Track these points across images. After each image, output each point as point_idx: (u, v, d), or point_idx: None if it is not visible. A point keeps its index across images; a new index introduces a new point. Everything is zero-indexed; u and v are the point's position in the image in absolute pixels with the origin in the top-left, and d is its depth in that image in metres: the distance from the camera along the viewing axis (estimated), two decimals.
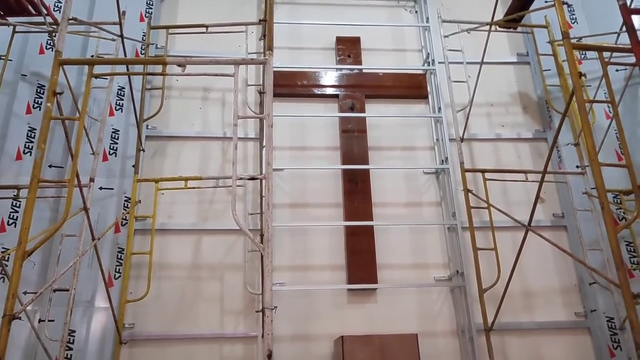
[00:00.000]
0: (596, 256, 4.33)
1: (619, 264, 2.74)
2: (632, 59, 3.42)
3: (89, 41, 4.77)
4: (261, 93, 4.90)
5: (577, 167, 4.71)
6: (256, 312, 4.21)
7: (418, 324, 4.34)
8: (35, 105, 4.49)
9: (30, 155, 4.26)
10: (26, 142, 4.34)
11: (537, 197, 3.57)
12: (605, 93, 4.51)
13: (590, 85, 4.84)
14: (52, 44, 4.68)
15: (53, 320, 3.70)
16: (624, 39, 4.03)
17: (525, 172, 4.43)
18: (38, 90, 4.54)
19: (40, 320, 3.76)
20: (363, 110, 5.13)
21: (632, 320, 2.69)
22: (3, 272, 3.79)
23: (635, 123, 4.71)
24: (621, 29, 4.34)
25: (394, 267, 4.55)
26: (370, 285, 4.40)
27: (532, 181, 4.37)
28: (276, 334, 4.13)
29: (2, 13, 4.20)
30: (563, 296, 4.52)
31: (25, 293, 3.82)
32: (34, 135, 4.35)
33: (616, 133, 4.51)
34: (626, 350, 4.08)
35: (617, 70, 4.79)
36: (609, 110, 4.78)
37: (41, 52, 4.68)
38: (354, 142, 4.99)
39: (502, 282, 3.89)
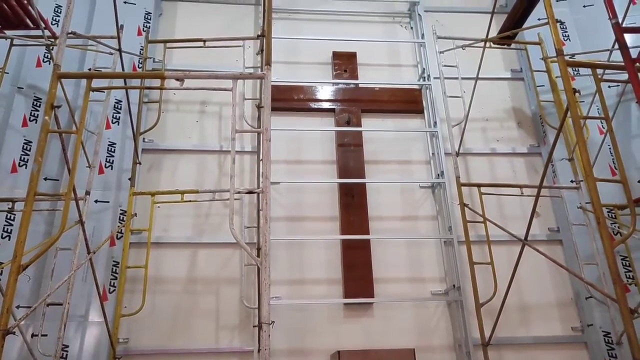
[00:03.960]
0: (592, 270, 4.34)
1: (615, 279, 2.75)
2: (625, 76, 3.49)
3: (87, 54, 4.78)
4: (259, 107, 4.92)
5: (572, 181, 4.75)
6: (253, 327, 4.18)
7: (415, 338, 4.31)
8: (32, 118, 4.48)
9: (26, 168, 4.24)
10: (22, 154, 4.32)
11: (533, 211, 3.59)
12: (598, 109, 4.57)
13: (583, 102, 4.90)
14: (49, 57, 4.69)
15: (46, 335, 3.65)
16: (616, 56, 4.10)
17: (520, 186, 4.46)
18: (34, 103, 4.54)
19: (33, 335, 3.70)
20: (359, 125, 5.16)
21: (630, 335, 2.69)
22: None
23: (628, 138, 4.77)
24: (613, 46, 4.41)
25: (391, 281, 4.54)
26: (367, 300, 4.39)
27: (528, 195, 4.39)
28: (272, 348, 4.08)
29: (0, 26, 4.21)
30: (560, 310, 4.52)
31: (18, 307, 3.77)
32: (30, 148, 4.33)
33: (610, 148, 4.57)
34: None
35: (609, 87, 4.87)
36: (602, 126, 4.84)
37: (38, 65, 4.69)
38: (350, 156, 5.01)
39: (499, 296, 3.88)
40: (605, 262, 3.11)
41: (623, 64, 3.20)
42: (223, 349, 4.16)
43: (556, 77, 4.98)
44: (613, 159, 4.61)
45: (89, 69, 4.62)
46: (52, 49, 4.45)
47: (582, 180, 4.61)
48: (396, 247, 4.68)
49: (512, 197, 4.56)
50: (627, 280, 4.28)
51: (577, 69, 5.17)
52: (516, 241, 3.86)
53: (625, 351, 4.07)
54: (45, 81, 3.00)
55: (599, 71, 3.98)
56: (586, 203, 4.50)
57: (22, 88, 4.53)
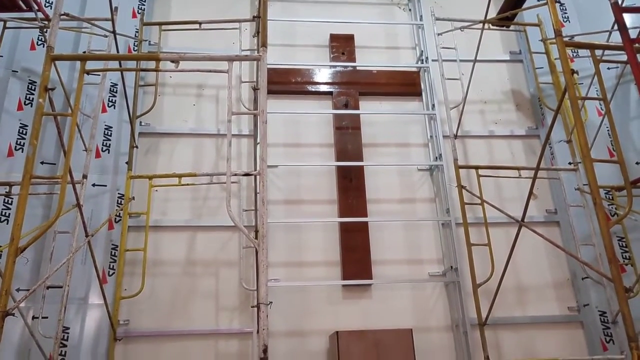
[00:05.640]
0: (589, 251, 4.37)
1: (611, 258, 2.77)
2: (624, 57, 3.47)
3: (81, 37, 4.73)
4: (255, 89, 4.90)
5: (570, 163, 4.75)
6: (252, 307, 4.21)
7: (412, 319, 4.36)
8: (27, 101, 4.45)
9: (22, 152, 4.22)
10: (18, 138, 4.30)
11: (530, 193, 3.59)
12: (597, 91, 4.56)
13: (582, 83, 4.88)
14: (43, 39, 4.64)
15: (47, 317, 3.68)
16: (616, 37, 4.07)
17: (518, 168, 4.46)
18: (29, 87, 4.50)
19: (34, 317, 3.73)
20: (357, 108, 5.13)
21: (625, 313, 2.72)
22: None
23: (626, 120, 4.76)
24: (613, 27, 4.38)
25: (389, 262, 4.57)
26: (365, 281, 4.42)
27: (525, 177, 4.40)
28: (271, 329, 4.12)
29: None
30: (556, 291, 4.56)
31: (18, 290, 3.79)
32: (26, 132, 4.31)
33: (608, 130, 4.56)
34: (618, 343, 4.13)
35: (608, 68, 4.84)
36: (601, 108, 4.82)
37: (32, 48, 4.64)
38: (348, 139, 4.99)
39: (496, 277, 3.91)
40: (601, 242, 3.13)
41: (622, 44, 3.18)
42: (222, 330, 4.20)
43: (555, 58, 4.95)
44: (611, 140, 4.60)
45: (84, 52, 4.58)
46: (46, 32, 4.40)
47: (579, 162, 4.61)
48: (394, 229, 4.70)
49: (509, 179, 4.57)
50: (624, 261, 4.32)
51: (576, 51, 5.14)
52: (514, 223, 3.88)
53: (621, 330, 4.12)
54: (40, 64, 2.95)
55: (598, 52, 3.96)
56: (583, 185, 4.51)
57: (17, 71, 4.49)
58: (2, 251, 3.72)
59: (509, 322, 4.39)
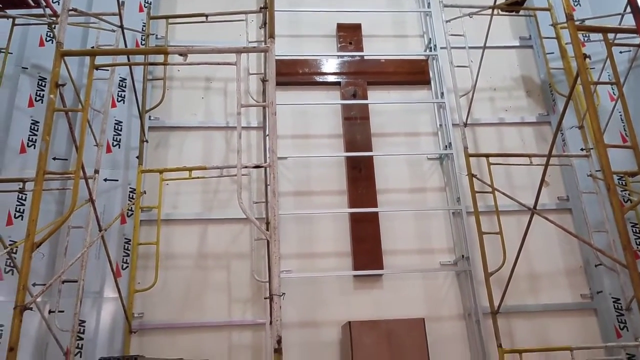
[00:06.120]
0: (602, 238, 4.33)
1: (626, 244, 2.74)
2: (637, 40, 3.41)
3: (89, 33, 4.75)
4: (264, 81, 4.89)
5: (582, 149, 4.69)
6: (264, 299, 4.24)
7: (424, 308, 4.36)
8: (37, 98, 4.49)
9: (34, 148, 4.27)
10: (29, 135, 4.35)
11: (542, 180, 3.56)
12: (609, 75, 4.50)
13: (594, 68, 4.81)
14: (52, 36, 4.66)
15: (63, 311, 3.73)
16: (628, 20, 3.99)
17: (529, 155, 4.42)
18: (39, 83, 4.54)
19: (50, 312, 3.79)
20: (365, 97, 5.11)
21: None
22: (12, 265, 3.82)
23: (639, 104, 4.68)
24: (625, 9, 4.30)
25: (399, 252, 4.56)
26: (376, 271, 4.42)
27: (537, 165, 4.36)
28: (284, 321, 4.14)
29: (1, 5, 4.18)
30: (569, 278, 4.54)
31: (34, 285, 3.85)
32: (37, 128, 4.35)
33: (620, 115, 4.50)
34: (632, 330, 4.10)
35: (620, 52, 4.76)
36: (613, 93, 4.76)
37: (41, 44, 4.67)
38: (356, 129, 4.98)
39: (508, 265, 3.89)
40: (615, 229, 3.09)
41: (635, 27, 3.12)
42: (236, 322, 4.24)
43: (566, 43, 4.87)
44: (624, 125, 4.54)
45: (92, 47, 4.59)
46: (55, 28, 4.42)
47: (592, 148, 4.56)
48: (404, 219, 4.69)
49: (521, 166, 4.53)
50: (638, 247, 4.28)
51: (587, 35, 5.06)
52: (525, 211, 3.85)
53: (635, 317, 4.10)
54: (49, 60, 2.97)
55: (610, 36, 3.89)
56: (596, 171, 4.46)
57: (27, 68, 4.53)
58: (17, 247, 3.78)
59: (521, 310, 4.38)
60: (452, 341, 4.28)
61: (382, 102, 5.15)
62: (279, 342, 2.52)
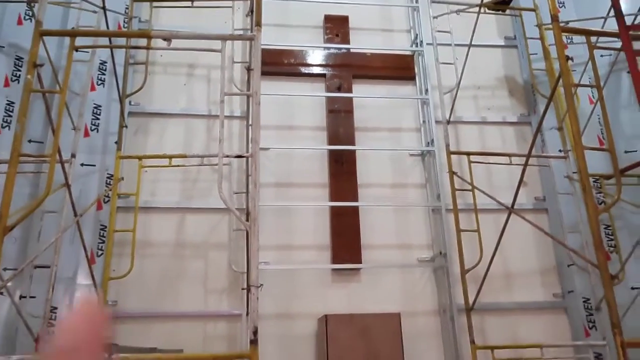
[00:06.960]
0: (575, 238, 4.42)
1: (598, 245, 2.80)
2: (619, 44, 3.46)
3: (70, 14, 4.61)
4: (248, 70, 4.83)
5: (560, 151, 4.78)
6: (242, 289, 4.22)
7: (401, 303, 4.39)
8: (14, 78, 4.35)
9: (9, 129, 4.14)
10: (4, 116, 4.21)
11: (521, 180, 3.61)
12: (590, 78, 4.56)
13: (575, 70, 4.87)
14: (31, 14, 4.52)
15: (34, 297, 3.65)
16: (610, 24, 4.06)
17: (509, 155, 4.48)
18: (16, 63, 4.40)
19: (21, 297, 3.71)
20: (350, 91, 5.09)
21: (610, 299, 2.76)
22: None
23: (617, 109, 4.78)
24: (608, 13, 4.36)
25: (378, 247, 4.59)
26: (355, 265, 4.44)
27: (516, 164, 4.42)
28: (260, 312, 4.05)
29: None
30: (542, 277, 4.63)
31: (5, 270, 3.75)
32: (13, 109, 4.22)
33: (599, 119, 4.58)
34: (601, 330, 4.21)
35: (601, 56, 4.83)
36: (593, 96, 4.83)
37: (19, 23, 4.52)
38: (340, 122, 4.97)
39: (484, 263, 3.95)
40: (588, 230, 3.16)
41: (617, 31, 3.17)
42: (211, 312, 4.21)
43: (549, 44, 4.93)
44: (602, 129, 4.62)
45: (72, 28, 4.47)
46: (34, 6, 4.28)
47: (570, 150, 4.64)
48: (384, 214, 4.71)
49: (501, 165, 4.58)
50: (609, 249, 4.38)
51: (570, 37, 5.12)
52: (503, 209, 3.91)
53: (603, 316, 4.19)
54: (27, 40, 2.88)
55: (593, 39, 3.95)
56: (573, 172, 4.54)
57: (3, 47, 4.38)
58: None
59: (495, 308, 4.45)
60: (427, 336, 4.33)
61: (366, 96, 5.14)
62: (255, 333, 2.51)
